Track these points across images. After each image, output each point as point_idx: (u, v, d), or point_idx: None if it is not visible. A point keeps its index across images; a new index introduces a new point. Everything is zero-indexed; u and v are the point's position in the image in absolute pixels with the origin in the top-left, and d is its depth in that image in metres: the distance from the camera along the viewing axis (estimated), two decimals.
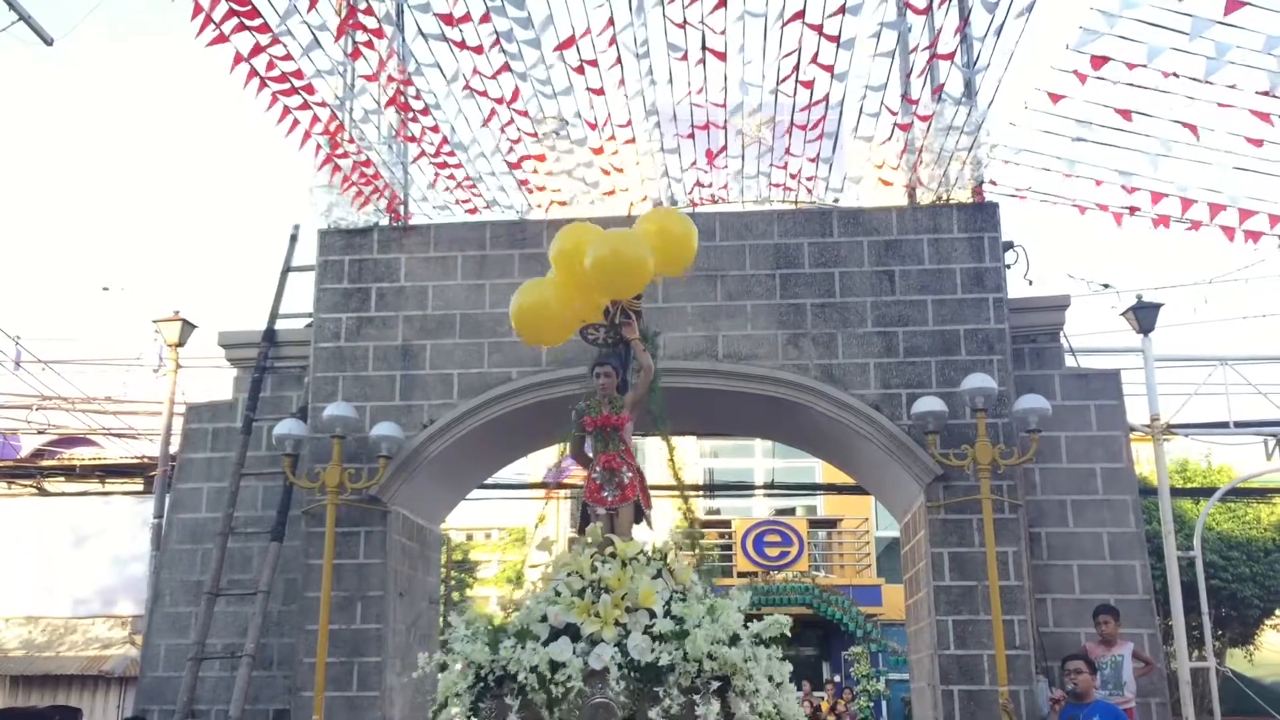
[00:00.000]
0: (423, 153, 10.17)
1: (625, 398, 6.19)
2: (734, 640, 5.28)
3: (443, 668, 5.56)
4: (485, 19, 8.32)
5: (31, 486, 16.84)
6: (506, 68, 8.92)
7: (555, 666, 5.17)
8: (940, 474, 9.35)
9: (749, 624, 5.48)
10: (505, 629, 5.52)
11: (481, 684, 5.35)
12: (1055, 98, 8.46)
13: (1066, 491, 9.65)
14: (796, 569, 21.40)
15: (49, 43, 8.71)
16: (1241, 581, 18.78)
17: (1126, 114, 8.53)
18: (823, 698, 19.38)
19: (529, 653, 5.22)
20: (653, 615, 5.37)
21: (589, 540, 5.87)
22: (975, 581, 9.16)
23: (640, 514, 6.12)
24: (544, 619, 5.44)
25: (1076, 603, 9.32)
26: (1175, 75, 8.15)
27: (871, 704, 19.72)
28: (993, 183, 10.14)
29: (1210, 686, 11.69)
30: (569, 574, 5.62)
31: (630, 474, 6.08)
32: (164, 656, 10.18)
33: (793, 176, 10.79)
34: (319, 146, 9.60)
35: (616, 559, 5.59)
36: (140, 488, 16.31)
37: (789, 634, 5.57)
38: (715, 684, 5.16)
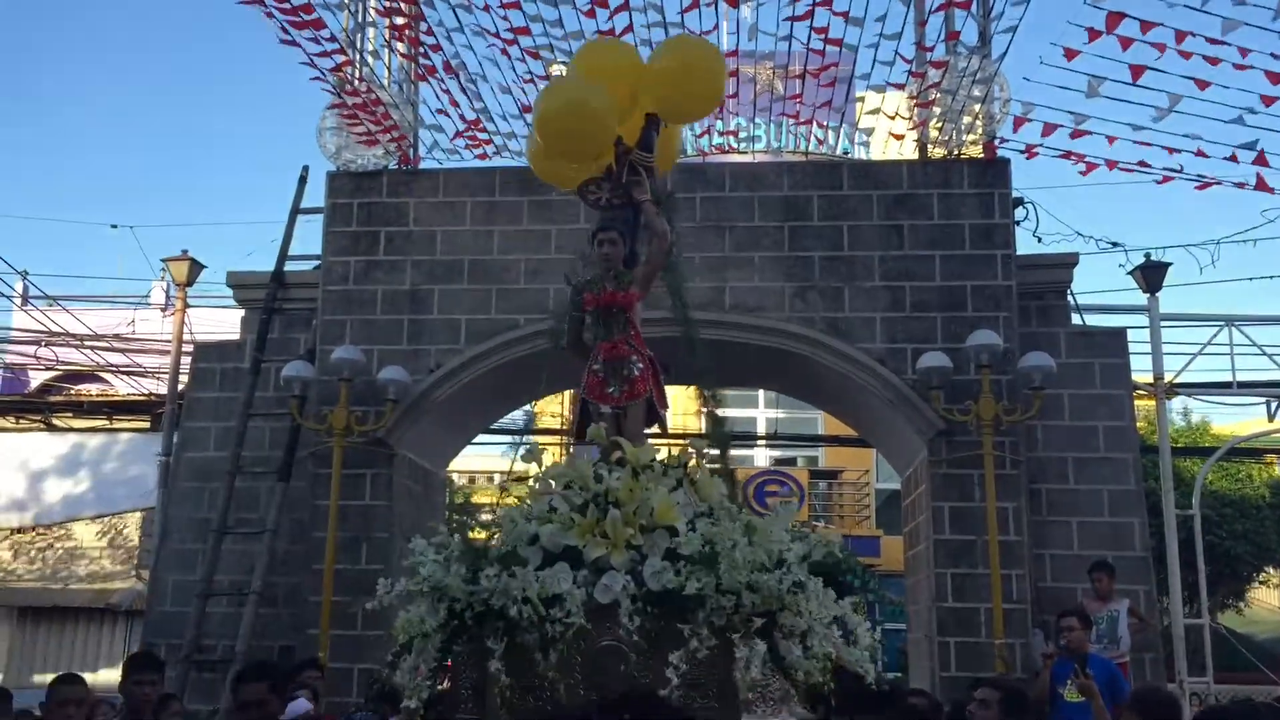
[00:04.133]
0: (432, 88, 10.09)
1: (635, 271, 5.08)
2: (779, 565, 4.19)
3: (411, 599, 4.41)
4: None
5: (40, 421, 16.94)
6: (517, 5, 8.85)
7: (551, 600, 4.09)
8: (943, 429, 9.40)
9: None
10: (487, 553, 4.36)
11: (457, 621, 4.22)
12: (1070, 54, 8.41)
13: (1068, 449, 9.70)
14: (797, 519, 21.57)
15: None
16: (1235, 539, 18.90)
17: (1140, 70, 8.47)
18: None
19: (520, 581, 4.10)
20: (674, 536, 4.28)
21: (591, 444, 4.81)
22: (975, 536, 9.24)
23: (654, 414, 5.03)
24: (535, 541, 4.32)
25: (1075, 558, 9.41)
26: (1192, 35, 8.10)
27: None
28: (1003, 140, 10.09)
29: (1204, 642, 11.81)
30: (566, 486, 4.48)
31: (641, 365, 4.96)
32: (171, 591, 10.32)
33: (804, 123, 10.71)
34: (329, 85, 9.56)
35: (626, 467, 4.47)
36: (147, 424, 16.41)
37: (840, 557, 4.59)
38: (759, 621, 4.13)
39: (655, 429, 5.18)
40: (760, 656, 4.04)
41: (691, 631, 4.04)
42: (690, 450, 4.85)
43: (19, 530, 18.79)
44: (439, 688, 4.35)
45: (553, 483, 4.61)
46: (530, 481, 4.82)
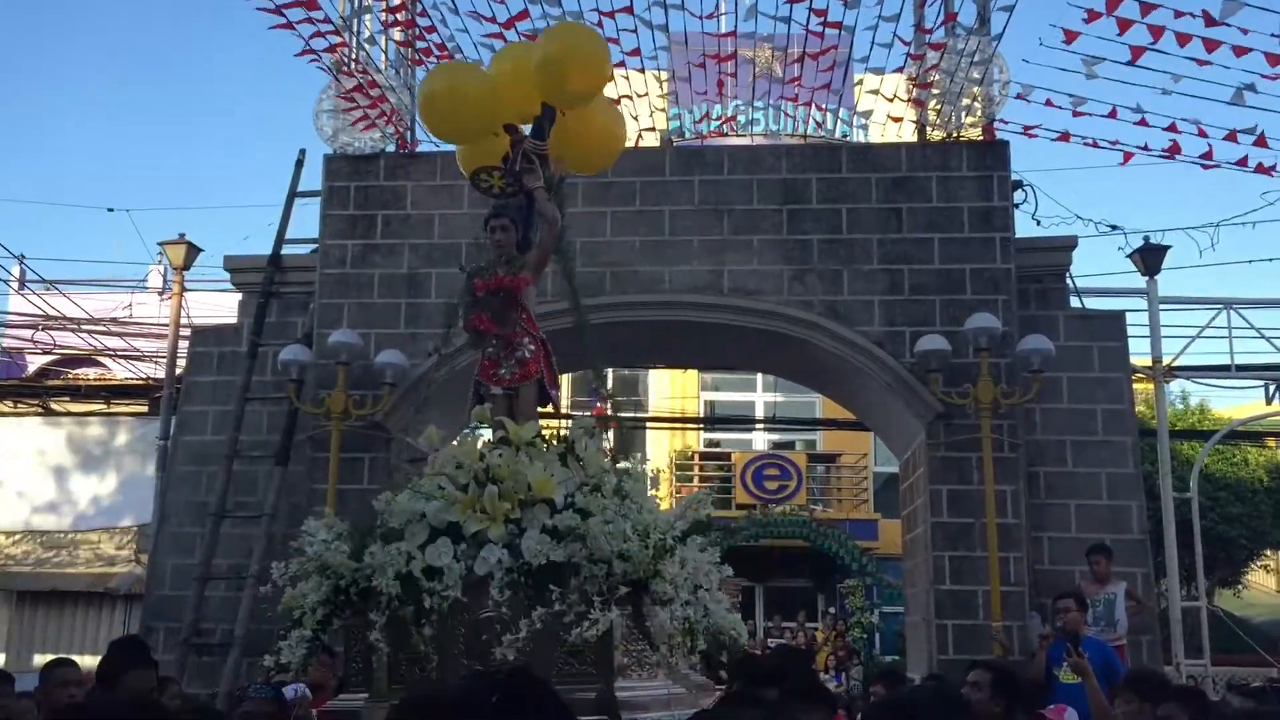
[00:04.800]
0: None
1: (526, 256, 5.20)
2: (647, 535, 4.35)
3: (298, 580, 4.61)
4: None
5: (37, 406, 16.91)
6: None
7: (432, 573, 4.28)
8: (941, 412, 9.40)
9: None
10: (372, 531, 4.60)
11: (343, 596, 4.49)
12: (1070, 35, 8.38)
13: (1066, 432, 9.71)
14: (795, 502, 21.55)
15: None
16: (1230, 522, 18.94)
17: (1139, 51, 8.45)
18: (817, 629, 19.67)
19: (392, 555, 4.31)
20: (553, 509, 4.42)
21: (478, 424, 4.94)
22: (973, 519, 9.26)
23: (545, 395, 5.16)
24: (422, 518, 4.49)
25: (1073, 541, 9.42)
26: (1191, 16, 8.07)
27: (865, 636, 19.98)
28: (1003, 121, 10.07)
29: (1201, 625, 11.85)
30: (457, 465, 4.61)
31: (533, 348, 5.10)
32: (170, 575, 10.32)
33: (804, 105, 10.68)
34: (325, 67, 9.53)
35: (510, 445, 4.61)
36: (145, 409, 16.38)
37: (710, 519, 4.81)
38: (624, 589, 4.33)
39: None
40: (605, 623, 4.18)
41: (563, 597, 4.21)
42: (579, 427, 4.94)
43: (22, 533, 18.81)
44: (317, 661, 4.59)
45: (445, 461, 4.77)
46: (430, 461, 4.95)
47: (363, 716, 4.37)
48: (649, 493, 4.82)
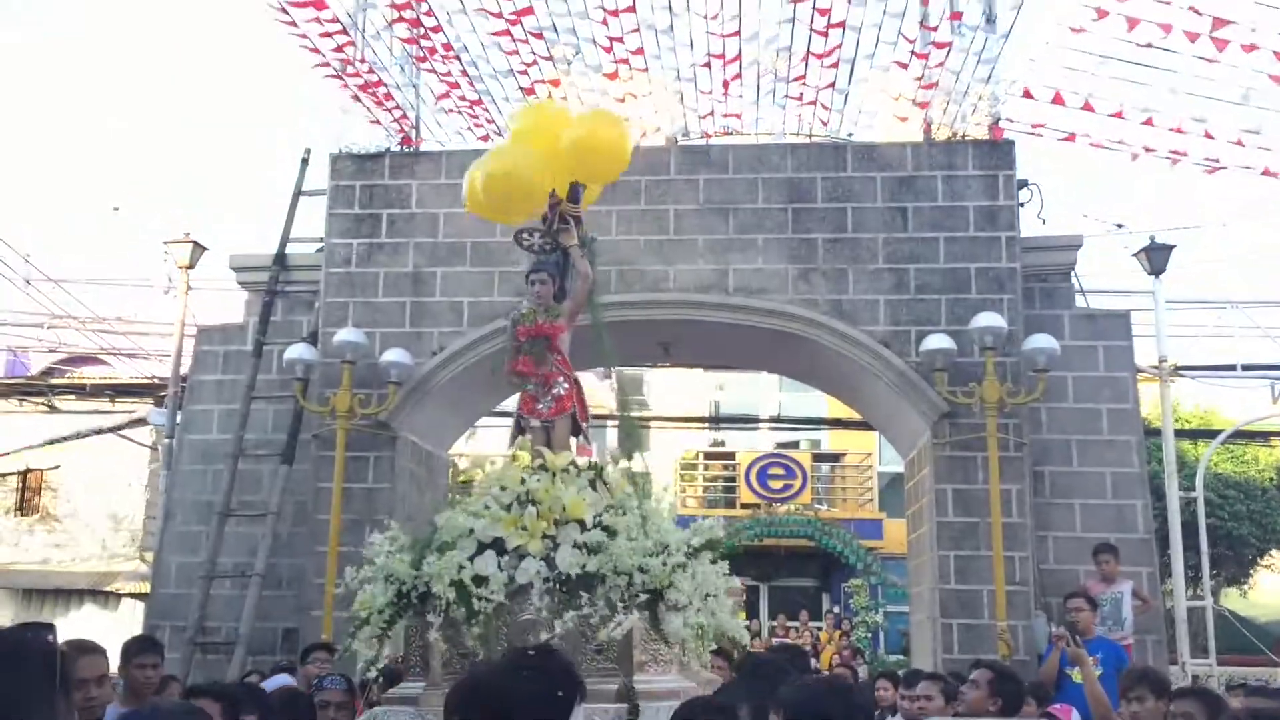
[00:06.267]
0: (434, 71, 10.07)
1: (562, 306, 5.94)
2: (663, 550, 5.12)
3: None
4: None
5: (43, 404, 16.95)
6: None
7: (480, 581, 5.03)
8: (946, 411, 9.39)
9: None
10: (429, 544, 5.33)
11: (405, 600, 5.21)
12: (1076, 30, 8.36)
13: (1072, 431, 9.69)
14: (799, 502, 21.57)
15: None
16: (1238, 520, 18.89)
17: (1145, 47, 8.43)
18: (821, 628, 19.66)
19: (449, 565, 5.06)
20: (584, 528, 5.20)
21: (518, 453, 5.68)
22: (978, 518, 9.24)
23: (577, 427, 5.91)
24: (471, 533, 5.24)
25: (1077, 541, 9.40)
26: (1197, 13, 8.05)
27: (870, 635, 19.99)
28: (1010, 120, 10.05)
29: (1206, 624, 11.83)
30: (501, 488, 5.42)
31: (567, 385, 5.87)
32: (175, 574, 10.33)
33: (809, 104, 10.67)
34: (329, 64, 9.53)
35: (547, 471, 5.41)
36: (150, 407, 16.41)
37: (721, 539, 5.49)
38: (643, 597, 5.03)
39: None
40: (627, 627, 4.93)
41: (589, 603, 4.96)
42: (609, 457, 5.98)
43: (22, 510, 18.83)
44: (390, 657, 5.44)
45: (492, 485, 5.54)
46: (478, 483, 5.77)
47: (421, 700, 5.06)
48: (656, 498, 5.61)
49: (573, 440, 5.91)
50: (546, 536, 5.16)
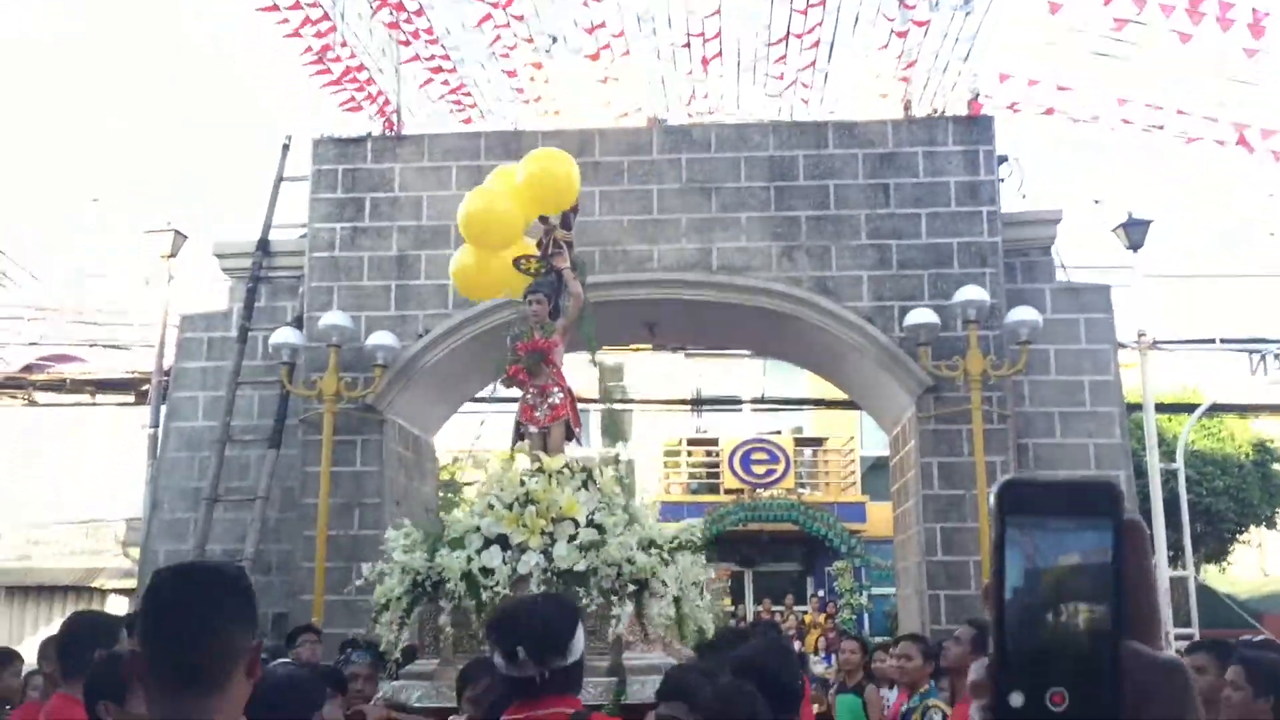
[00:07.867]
0: (416, 56, 10.07)
1: (556, 323, 6.50)
2: (649, 546, 5.68)
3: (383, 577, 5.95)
4: None
5: (22, 398, 16.83)
6: None
7: (486, 573, 5.60)
8: (931, 385, 9.47)
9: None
10: (441, 539, 5.90)
11: (419, 589, 5.75)
12: (1054, 7, 8.44)
13: (1054, 403, 9.79)
14: (783, 486, 21.61)
15: None
16: (1216, 495, 19.02)
17: (1121, 23, 8.52)
18: (806, 611, 19.74)
19: (459, 559, 5.62)
20: (577, 525, 5.73)
21: (517, 456, 6.28)
22: (963, 490, 9.33)
23: (570, 432, 6.49)
24: (477, 529, 5.80)
25: None
26: None
27: (854, 617, 20.07)
28: (988, 96, 10.13)
29: (1189, 596, 11.96)
30: (502, 488, 6.00)
31: (561, 395, 6.42)
32: (162, 562, 10.28)
33: (789, 85, 10.72)
34: (309, 48, 9.51)
35: (544, 473, 5.94)
36: (131, 400, 16.32)
37: (698, 538, 6.07)
38: (632, 587, 5.58)
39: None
40: (628, 613, 5.50)
41: (585, 593, 5.46)
42: (596, 459, 6.48)
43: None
44: (406, 641, 5.97)
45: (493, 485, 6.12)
46: (481, 484, 6.32)
47: (435, 675, 5.63)
48: (640, 499, 6.25)
49: (566, 445, 6.48)
50: (544, 533, 5.70)
